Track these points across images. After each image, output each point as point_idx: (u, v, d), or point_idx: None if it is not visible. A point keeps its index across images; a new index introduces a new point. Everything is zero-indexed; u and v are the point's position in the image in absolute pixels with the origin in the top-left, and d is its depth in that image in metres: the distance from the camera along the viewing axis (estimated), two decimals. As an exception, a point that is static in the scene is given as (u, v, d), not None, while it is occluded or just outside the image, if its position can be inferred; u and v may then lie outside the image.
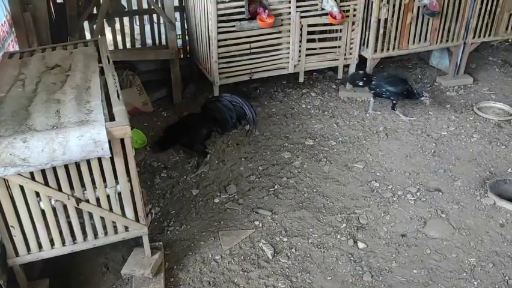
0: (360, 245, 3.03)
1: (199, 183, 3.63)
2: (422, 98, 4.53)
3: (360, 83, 4.73)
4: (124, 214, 2.59)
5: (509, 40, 6.22)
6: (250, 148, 4.09)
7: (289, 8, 4.43)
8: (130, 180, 2.53)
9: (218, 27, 4.27)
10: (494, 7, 5.01)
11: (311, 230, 3.17)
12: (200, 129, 3.78)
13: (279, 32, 4.53)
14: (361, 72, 4.82)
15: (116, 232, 2.63)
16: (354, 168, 3.81)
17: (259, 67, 4.65)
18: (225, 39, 4.36)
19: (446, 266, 2.86)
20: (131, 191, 2.55)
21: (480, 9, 4.94)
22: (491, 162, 3.80)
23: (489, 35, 5.18)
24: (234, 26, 4.32)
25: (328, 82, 5.34)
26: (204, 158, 3.78)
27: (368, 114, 4.59)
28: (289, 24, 4.50)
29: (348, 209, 3.34)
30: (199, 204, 3.42)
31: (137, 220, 2.63)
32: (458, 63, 5.30)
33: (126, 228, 2.64)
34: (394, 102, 4.56)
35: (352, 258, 2.94)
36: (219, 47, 4.36)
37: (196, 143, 3.76)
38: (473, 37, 5.11)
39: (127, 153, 2.45)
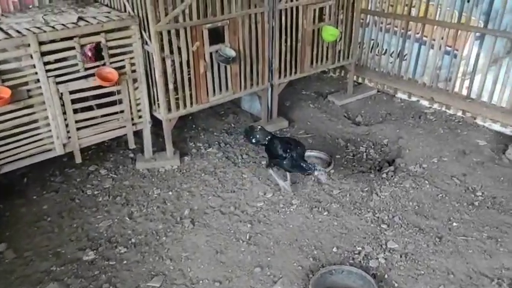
0: None
1: None
2: (316, 173, 3.44)
3: (254, 140, 3.83)
4: None
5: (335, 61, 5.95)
6: (-5, 289, 2.79)
7: (36, 73, 3.24)
8: None
9: None
10: (294, 43, 4.54)
11: None
12: None
13: (30, 107, 3.31)
14: (259, 127, 3.94)
15: None
16: (147, 291, 2.79)
17: (9, 156, 3.35)
18: None
19: None
20: None
21: (280, 47, 4.43)
22: (314, 241, 3.16)
23: (295, 73, 4.71)
24: (-51, 110, 2.97)
25: (124, 150, 4.27)
26: None
27: (283, 191, 3.69)
28: (42, 94, 3.31)
29: None
30: None
31: None
32: (269, 106, 4.73)
33: None
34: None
35: None
36: None
37: None
38: (279, 77, 4.58)
39: None
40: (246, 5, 4.02)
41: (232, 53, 4.01)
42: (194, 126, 4.82)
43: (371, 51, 5.56)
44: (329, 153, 4.24)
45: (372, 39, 5.48)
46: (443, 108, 4.91)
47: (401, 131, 4.61)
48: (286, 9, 4.30)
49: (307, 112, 5.10)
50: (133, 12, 3.66)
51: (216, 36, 4.02)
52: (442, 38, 4.70)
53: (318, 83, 5.90)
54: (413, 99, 5.20)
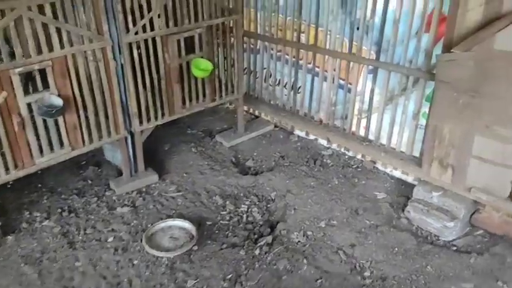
0: None
1: None
2: None
3: None
4: None
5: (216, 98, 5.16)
6: None
7: None
8: None
9: None
10: (156, 81, 3.70)
11: None
12: None
13: None
14: None
15: None
16: None
17: None
18: None
19: None
20: None
21: (137, 87, 3.57)
22: None
23: (163, 116, 3.86)
24: None
25: None
26: None
27: None
28: None
29: None
30: None
31: None
32: (132, 158, 3.85)
33: None
34: None
35: None
36: None
37: None
38: (141, 123, 3.72)
39: None
40: (77, 41, 3.13)
41: (59, 103, 3.10)
42: (40, 185, 3.86)
43: (265, 81, 4.82)
44: (197, 220, 3.43)
45: (265, 68, 4.74)
46: (342, 150, 4.24)
47: (291, 181, 3.88)
48: (137, 42, 3.45)
49: (187, 159, 4.27)
50: None
51: (43, 80, 3.12)
52: (334, 70, 4.02)
53: (210, 117, 5.09)
54: (311, 137, 4.50)
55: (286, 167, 4.13)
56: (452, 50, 2.92)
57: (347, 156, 4.19)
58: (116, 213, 3.50)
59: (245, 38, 4.69)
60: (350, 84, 3.96)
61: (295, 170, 4.04)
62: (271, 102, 4.80)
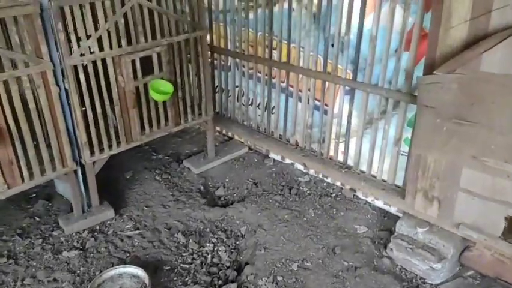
0: None
1: None
2: None
3: None
4: None
5: (181, 121, 4.76)
6: None
7: None
8: None
9: None
10: (109, 107, 3.31)
11: None
12: None
13: None
14: None
15: None
16: None
17: None
18: None
19: None
20: None
21: (85, 114, 3.17)
22: None
23: (119, 145, 3.47)
24: None
25: None
26: None
27: None
28: None
29: None
30: None
31: None
32: (84, 193, 3.45)
33: None
34: None
35: None
36: None
37: None
38: (93, 154, 3.32)
39: None
40: (8, 65, 2.74)
41: (-12, 137, 2.70)
42: (-20, 223, 3.45)
43: (237, 100, 4.45)
44: (154, 265, 3.03)
45: (237, 86, 4.37)
46: (320, 176, 3.88)
47: (263, 214, 3.50)
48: (84, 65, 3.06)
49: (149, 189, 3.87)
50: None
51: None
52: (309, 90, 3.66)
53: (179, 138, 4.72)
54: (288, 161, 4.13)
55: (259, 196, 3.75)
56: (435, 72, 2.57)
57: (325, 183, 3.82)
58: (61, 258, 3.08)
59: (215, 55, 4.35)
60: (326, 105, 3.60)
61: (269, 200, 3.67)
62: (245, 123, 4.43)
